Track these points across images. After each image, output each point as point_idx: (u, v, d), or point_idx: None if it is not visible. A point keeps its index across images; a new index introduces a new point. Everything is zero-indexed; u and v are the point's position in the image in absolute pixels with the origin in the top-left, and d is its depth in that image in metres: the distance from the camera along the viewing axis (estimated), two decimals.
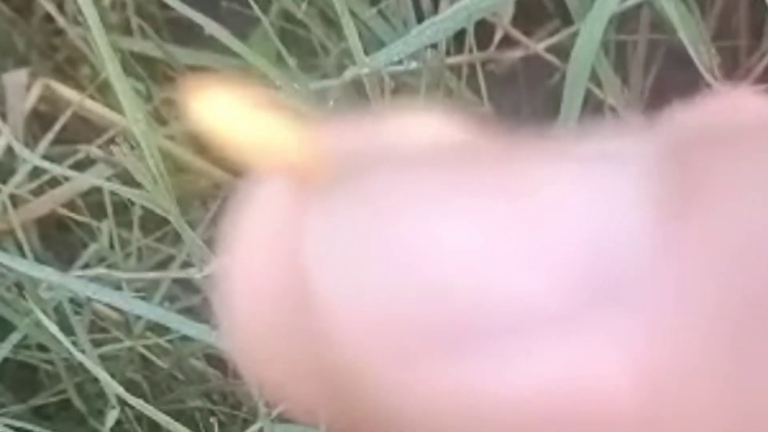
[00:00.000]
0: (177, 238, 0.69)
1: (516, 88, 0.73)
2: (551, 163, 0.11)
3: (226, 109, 0.13)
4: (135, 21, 0.78)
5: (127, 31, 0.79)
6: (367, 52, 0.57)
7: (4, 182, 0.69)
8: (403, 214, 0.11)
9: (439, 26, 0.56)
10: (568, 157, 0.11)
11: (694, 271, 0.11)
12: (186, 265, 0.65)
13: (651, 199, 0.11)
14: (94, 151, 0.68)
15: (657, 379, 0.10)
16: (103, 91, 0.75)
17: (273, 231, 0.13)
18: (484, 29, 0.68)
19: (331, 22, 0.69)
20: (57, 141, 0.71)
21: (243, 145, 0.13)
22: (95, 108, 0.74)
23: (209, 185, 0.75)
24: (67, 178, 0.69)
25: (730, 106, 0.12)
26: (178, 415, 0.58)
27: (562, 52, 0.65)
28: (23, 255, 0.65)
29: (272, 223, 0.13)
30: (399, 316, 0.11)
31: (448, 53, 0.65)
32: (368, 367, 0.11)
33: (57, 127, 0.71)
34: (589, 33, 0.61)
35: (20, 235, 0.66)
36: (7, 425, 0.62)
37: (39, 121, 0.75)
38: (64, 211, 0.72)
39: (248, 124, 0.13)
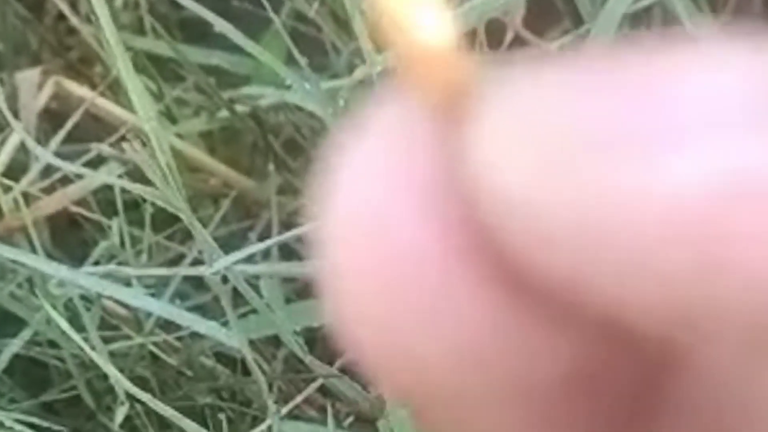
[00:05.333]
0: (187, 236, 0.69)
1: None
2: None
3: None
4: (147, 20, 0.78)
5: (139, 30, 0.79)
6: (378, 52, 0.57)
7: (17, 179, 0.69)
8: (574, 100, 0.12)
9: None
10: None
11: None
12: (196, 262, 0.65)
13: None
14: (105, 149, 0.68)
15: None
16: (115, 90, 0.75)
17: (404, 145, 0.13)
18: (495, 30, 0.68)
19: (342, 22, 0.69)
20: (69, 139, 0.71)
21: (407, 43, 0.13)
22: (107, 106, 0.74)
23: (219, 183, 0.75)
24: (78, 176, 0.69)
25: None
26: (187, 412, 0.58)
27: (573, 52, 0.65)
28: (34, 251, 0.65)
29: (402, 138, 0.13)
30: (559, 139, 0.12)
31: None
32: (521, 186, 0.12)
33: (69, 125, 0.71)
34: (601, 33, 0.61)
35: (32, 232, 0.66)
36: (17, 420, 0.62)
37: (51, 119, 0.76)
38: (76, 209, 0.72)
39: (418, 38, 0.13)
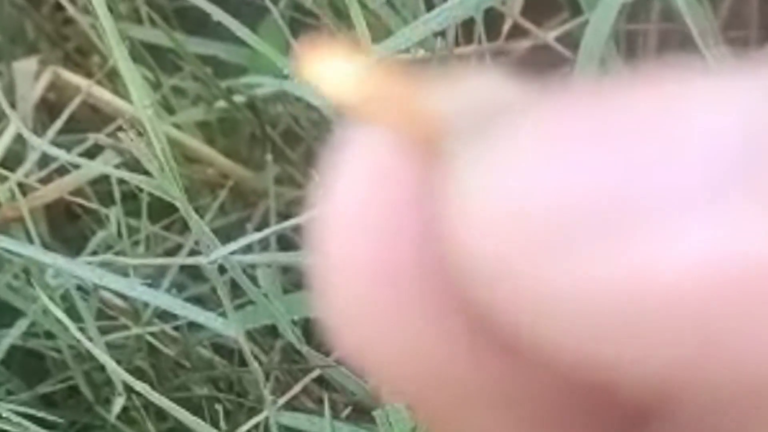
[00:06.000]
0: (184, 226, 0.69)
1: (525, 78, 0.73)
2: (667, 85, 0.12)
3: (344, 68, 0.13)
4: (144, 10, 0.78)
5: (137, 20, 0.79)
6: (376, 43, 0.57)
7: (13, 169, 0.69)
8: (552, 148, 0.12)
9: (447, 14, 0.56)
10: (683, 80, 0.12)
11: None
12: (193, 252, 0.65)
13: None
14: (102, 138, 0.68)
15: None
16: (112, 80, 0.75)
17: (380, 181, 0.13)
18: (493, 19, 0.67)
19: (340, 12, 0.69)
20: (66, 129, 0.71)
21: (358, 100, 0.13)
22: (104, 96, 0.74)
23: (217, 173, 0.75)
24: (75, 166, 0.69)
25: None
26: (184, 403, 0.58)
27: (572, 42, 0.65)
28: (31, 242, 0.65)
29: (377, 173, 0.13)
30: (544, 210, 0.11)
31: (457, 44, 0.65)
32: (518, 265, 0.11)
33: (66, 114, 0.71)
34: (599, 23, 0.61)
35: (29, 222, 0.66)
36: (14, 412, 0.62)
37: (48, 108, 0.76)
38: (73, 199, 0.72)
39: (366, 82, 0.13)
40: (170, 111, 0.75)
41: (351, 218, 0.13)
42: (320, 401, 0.62)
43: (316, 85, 0.13)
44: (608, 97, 0.12)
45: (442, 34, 0.62)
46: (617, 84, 0.12)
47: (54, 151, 0.65)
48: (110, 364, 0.59)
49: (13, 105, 0.70)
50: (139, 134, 0.56)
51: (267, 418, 0.60)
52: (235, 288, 0.60)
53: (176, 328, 0.67)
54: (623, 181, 0.11)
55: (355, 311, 0.13)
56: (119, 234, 0.69)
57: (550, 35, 0.68)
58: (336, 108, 0.13)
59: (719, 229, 0.11)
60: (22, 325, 0.66)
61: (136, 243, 0.70)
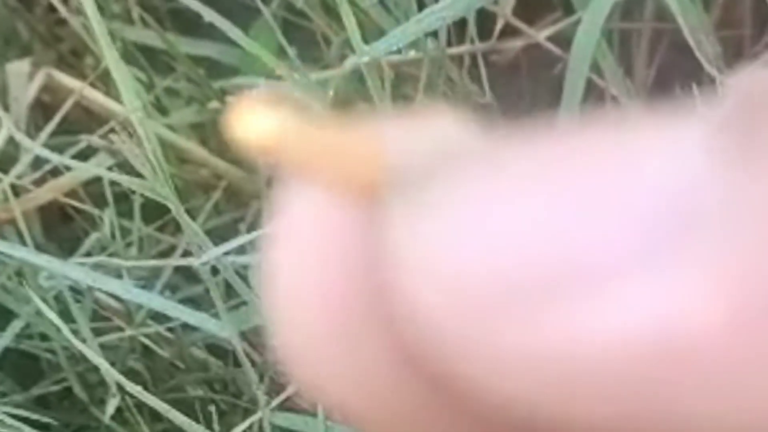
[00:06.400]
0: (178, 228, 0.69)
1: (518, 78, 0.73)
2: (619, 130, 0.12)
3: (273, 124, 0.13)
4: (136, 11, 0.78)
5: (129, 20, 0.79)
6: (368, 43, 0.57)
7: (6, 171, 0.69)
8: (492, 200, 0.12)
9: (438, 14, 0.56)
10: (635, 125, 0.12)
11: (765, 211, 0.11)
12: (187, 254, 0.65)
13: (717, 149, 0.11)
14: (95, 140, 0.68)
15: (749, 314, 0.11)
16: (106, 81, 0.75)
17: (324, 234, 0.13)
18: (485, 19, 0.67)
19: (332, 12, 0.69)
20: (59, 130, 0.71)
21: (294, 157, 0.13)
22: (97, 98, 0.74)
23: (210, 174, 0.75)
24: (68, 168, 0.69)
25: None
26: (178, 404, 0.58)
27: (564, 41, 0.65)
28: (24, 243, 0.65)
29: (321, 226, 0.13)
30: (487, 276, 0.11)
31: (449, 43, 0.65)
32: (461, 331, 0.11)
33: (59, 116, 0.71)
34: (591, 22, 0.61)
35: (22, 224, 0.66)
36: (8, 414, 0.62)
37: (41, 110, 0.76)
38: (66, 200, 0.72)
39: (299, 138, 0.13)
40: (163, 112, 0.75)
41: (298, 269, 0.13)
42: (314, 402, 0.62)
43: (248, 143, 0.13)
44: (563, 146, 0.12)
45: (434, 34, 0.62)
46: (574, 130, 0.12)
47: (47, 153, 0.65)
48: (104, 366, 0.59)
49: (6, 107, 0.70)
50: (130, 136, 0.56)
51: (261, 419, 0.60)
52: (228, 289, 0.60)
53: (170, 330, 0.67)
54: (569, 241, 0.11)
55: (307, 354, 0.13)
56: (112, 235, 0.69)
57: (542, 35, 0.68)
58: (273, 164, 0.13)
59: (654, 293, 0.11)
60: (15, 326, 0.66)
61: (130, 244, 0.70)
